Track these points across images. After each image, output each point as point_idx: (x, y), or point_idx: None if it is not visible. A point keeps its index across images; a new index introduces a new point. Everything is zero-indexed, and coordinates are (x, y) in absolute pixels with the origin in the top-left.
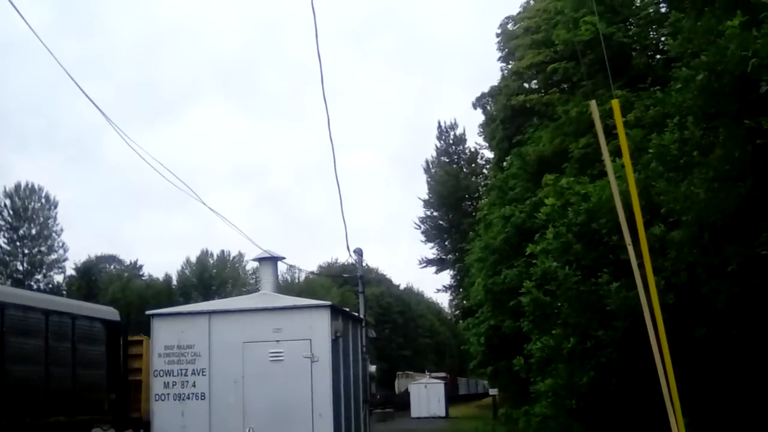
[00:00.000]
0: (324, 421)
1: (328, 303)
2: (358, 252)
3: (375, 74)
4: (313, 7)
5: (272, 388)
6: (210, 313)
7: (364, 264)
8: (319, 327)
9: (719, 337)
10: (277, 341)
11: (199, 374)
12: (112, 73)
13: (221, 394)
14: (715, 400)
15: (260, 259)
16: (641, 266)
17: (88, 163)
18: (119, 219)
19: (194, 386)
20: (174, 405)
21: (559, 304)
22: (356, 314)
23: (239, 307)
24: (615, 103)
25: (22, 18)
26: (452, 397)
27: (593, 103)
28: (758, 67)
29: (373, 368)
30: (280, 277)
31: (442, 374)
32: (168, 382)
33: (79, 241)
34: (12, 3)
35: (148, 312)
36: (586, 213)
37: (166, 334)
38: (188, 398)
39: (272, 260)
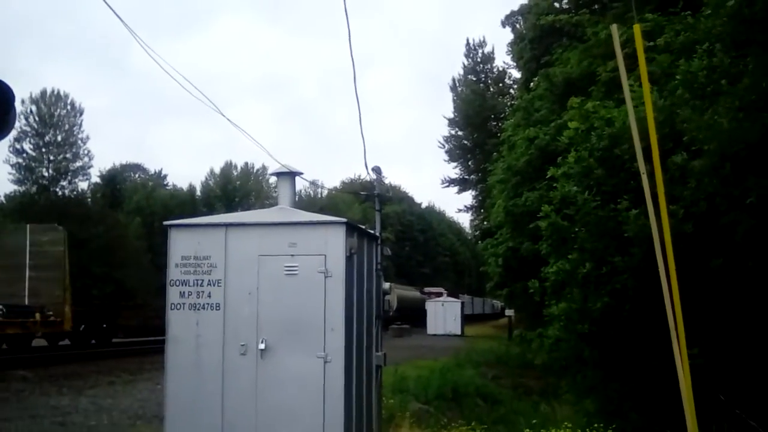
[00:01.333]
0: (335, 335)
1: (344, 220)
2: (377, 170)
3: None
4: None
5: (286, 301)
6: (227, 225)
7: (384, 182)
8: (334, 243)
9: (735, 268)
10: (292, 255)
11: (214, 285)
12: None
13: (236, 306)
14: (727, 331)
15: (278, 174)
16: (655, 195)
17: (115, 70)
18: (145, 128)
19: (209, 297)
20: (189, 314)
21: (576, 229)
22: (373, 231)
23: (256, 221)
24: (636, 29)
25: None
26: (468, 316)
27: (614, 28)
28: None
29: (387, 285)
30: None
31: (438, 289)
32: (184, 292)
33: (105, 149)
34: None
35: (165, 222)
36: (609, 138)
37: (183, 245)
38: (203, 308)
39: (290, 175)
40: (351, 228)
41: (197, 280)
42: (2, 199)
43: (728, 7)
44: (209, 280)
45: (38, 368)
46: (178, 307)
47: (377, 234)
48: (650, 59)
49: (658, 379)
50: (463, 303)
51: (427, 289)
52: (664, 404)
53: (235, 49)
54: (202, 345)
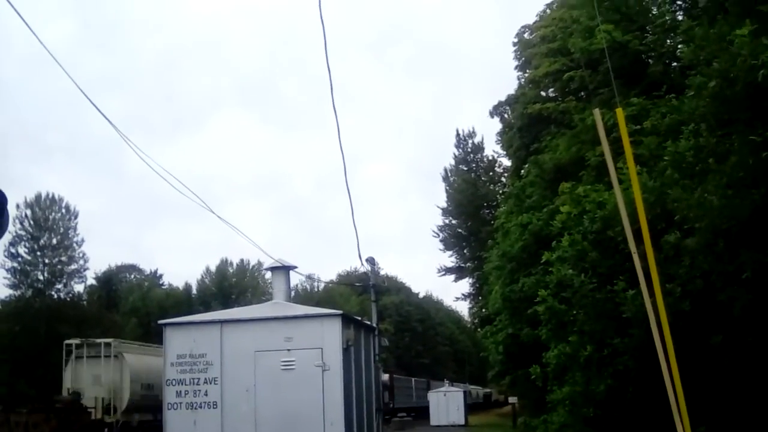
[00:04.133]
0: (335, 429)
1: (339, 312)
2: (370, 261)
3: (393, 83)
4: (321, 19)
5: (284, 396)
6: (222, 322)
7: (380, 272)
8: (330, 336)
9: (735, 344)
10: (289, 350)
11: (211, 383)
12: (133, 85)
13: (233, 403)
14: (732, 408)
15: (272, 269)
16: (648, 274)
17: (110, 174)
18: (140, 229)
19: (206, 395)
20: (186, 414)
21: (575, 312)
22: (369, 323)
23: (251, 316)
24: (619, 112)
25: (35, 35)
26: (471, 405)
27: (596, 112)
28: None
29: (386, 377)
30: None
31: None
32: (180, 391)
33: (100, 251)
34: (25, 21)
35: (160, 321)
36: (602, 220)
37: (179, 343)
38: (200, 407)
39: (284, 269)
40: (347, 320)
41: (193, 378)
42: None
43: (710, 88)
44: (206, 378)
45: None
46: (175, 406)
47: (374, 325)
48: (638, 142)
49: None
50: (465, 392)
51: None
52: None
53: (228, 147)
54: None
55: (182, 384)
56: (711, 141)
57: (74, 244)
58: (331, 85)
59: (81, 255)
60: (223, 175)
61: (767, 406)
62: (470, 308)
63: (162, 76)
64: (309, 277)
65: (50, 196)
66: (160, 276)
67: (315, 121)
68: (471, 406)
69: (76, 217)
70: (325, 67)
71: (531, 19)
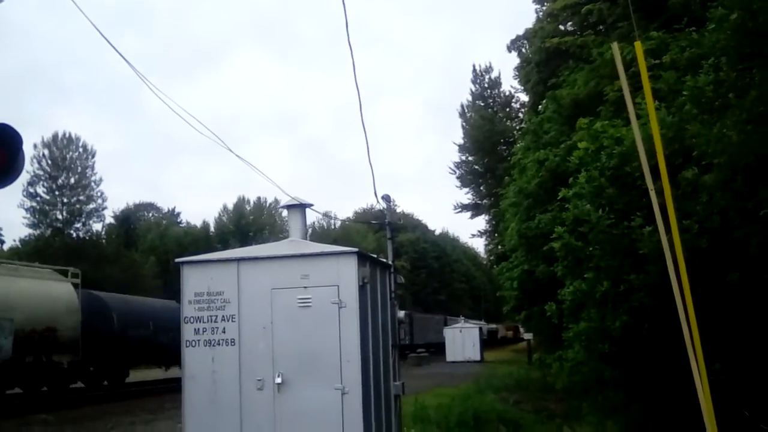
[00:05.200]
0: (352, 366)
1: (355, 249)
2: (386, 198)
3: (410, 20)
4: None
5: (300, 333)
6: (239, 260)
7: (397, 210)
8: (346, 273)
9: (751, 282)
10: (305, 287)
11: (228, 320)
12: (150, 22)
13: (251, 340)
14: (748, 346)
15: (288, 206)
16: (664, 211)
17: (127, 113)
18: (158, 168)
19: (224, 332)
20: (204, 351)
21: (591, 249)
22: (385, 260)
23: (267, 254)
24: (638, 45)
25: None
26: (492, 341)
27: (614, 46)
28: None
29: (401, 314)
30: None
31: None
32: (198, 329)
33: (118, 190)
34: None
35: (177, 260)
36: (620, 156)
37: (196, 281)
38: (218, 344)
39: (300, 207)
40: (363, 257)
41: (211, 316)
42: (18, 243)
43: (732, 20)
44: (223, 316)
45: (54, 411)
46: (194, 344)
47: (390, 262)
48: (657, 77)
49: (681, 398)
50: (481, 328)
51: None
52: (687, 423)
53: (246, 86)
54: (218, 381)
55: (200, 321)
56: (731, 75)
57: (92, 183)
58: (346, 19)
59: (99, 194)
60: (241, 113)
61: None
62: (486, 245)
63: (179, 14)
64: (326, 215)
65: (67, 135)
66: (178, 214)
67: (332, 58)
68: (487, 342)
69: (93, 156)
70: (341, 3)
71: None
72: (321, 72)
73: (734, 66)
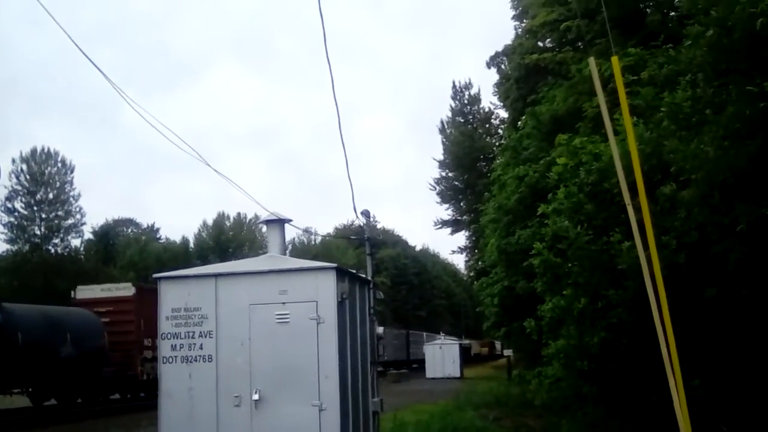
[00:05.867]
0: (330, 382)
1: (334, 265)
2: (365, 213)
3: (390, 36)
4: None
5: (279, 349)
6: (216, 275)
7: (377, 226)
8: (324, 289)
9: (730, 297)
10: (283, 303)
11: (206, 336)
12: (128, 36)
13: (228, 356)
14: (727, 362)
15: (267, 222)
16: (642, 227)
17: (106, 127)
18: (137, 183)
19: (201, 348)
20: (181, 367)
21: (570, 265)
22: (364, 275)
23: (245, 270)
24: (614, 60)
25: None
26: (467, 358)
27: (591, 60)
28: (767, 25)
29: (380, 330)
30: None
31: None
32: (175, 345)
33: (97, 205)
34: None
35: (155, 275)
36: (598, 172)
37: (174, 297)
38: (195, 360)
39: (279, 222)
40: (342, 273)
41: (188, 332)
42: None
43: (708, 37)
44: (200, 332)
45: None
46: (171, 360)
47: (369, 278)
48: (635, 93)
49: (660, 414)
50: (461, 345)
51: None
52: None
53: (225, 101)
54: (195, 398)
55: (177, 338)
56: (708, 91)
57: (71, 199)
58: (324, 33)
59: (78, 209)
60: (221, 127)
61: (762, 359)
62: (466, 261)
63: (158, 28)
64: (306, 231)
65: (46, 150)
66: (158, 230)
67: (312, 73)
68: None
69: (72, 171)
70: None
71: None
72: (301, 86)
73: (711, 82)
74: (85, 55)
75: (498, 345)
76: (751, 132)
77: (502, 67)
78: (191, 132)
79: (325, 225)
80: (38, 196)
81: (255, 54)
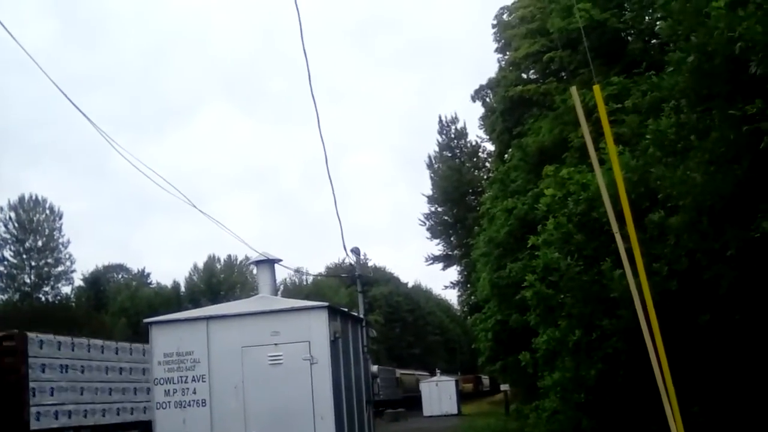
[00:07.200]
0: (326, 424)
1: (326, 304)
2: (356, 251)
3: (376, 74)
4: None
5: (272, 392)
6: (208, 318)
7: (368, 263)
8: (317, 328)
9: (723, 322)
10: (276, 344)
11: (199, 381)
12: (117, 82)
13: (222, 400)
14: (724, 387)
15: (257, 262)
16: (631, 255)
17: (95, 174)
18: (126, 228)
19: (195, 393)
20: (175, 413)
21: (562, 296)
22: (356, 314)
23: (237, 312)
24: (596, 89)
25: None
26: (465, 394)
27: (573, 90)
28: (745, 49)
29: (375, 368)
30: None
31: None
32: (168, 390)
33: (87, 252)
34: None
35: (146, 320)
36: (586, 202)
37: (165, 342)
38: (189, 405)
39: (269, 262)
40: (334, 311)
41: (181, 376)
42: None
43: (689, 63)
44: (193, 376)
45: None
46: (164, 406)
47: (362, 316)
48: (620, 121)
49: None
50: (457, 381)
51: None
52: None
53: (214, 142)
54: None
55: (170, 383)
56: (692, 117)
57: (60, 246)
58: (309, 70)
59: (67, 256)
60: (210, 170)
61: (758, 382)
62: (459, 296)
63: (147, 73)
64: (297, 271)
65: (34, 197)
66: (148, 275)
67: (300, 114)
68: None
69: (60, 218)
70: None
71: (510, 0)
72: (290, 127)
73: (694, 108)
74: (73, 104)
75: (485, 380)
76: (736, 156)
77: (487, 100)
78: (181, 174)
79: (316, 264)
80: (27, 244)
81: (244, 95)
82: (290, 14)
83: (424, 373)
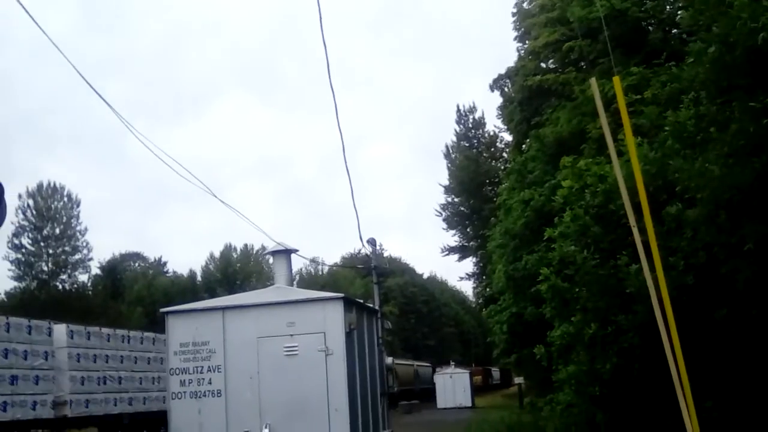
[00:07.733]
0: (340, 415)
1: (341, 295)
2: (371, 242)
3: (394, 63)
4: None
5: (287, 382)
6: (224, 308)
7: (384, 254)
8: (332, 320)
9: (740, 317)
10: (291, 335)
11: (214, 371)
12: (135, 69)
13: (237, 391)
14: (739, 382)
15: (273, 252)
16: (648, 248)
17: (113, 161)
18: (144, 216)
19: (210, 383)
20: (191, 403)
21: (578, 290)
22: (372, 305)
23: (252, 302)
24: (616, 80)
25: (37, 25)
26: (479, 387)
27: (593, 80)
28: None
29: (390, 360)
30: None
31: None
32: (184, 380)
33: (104, 240)
34: (28, 12)
35: (162, 310)
36: (604, 194)
37: (181, 332)
38: (204, 395)
39: (285, 253)
40: (349, 303)
41: (197, 366)
42: (3, 296)
43: (710, 54)
44: (209, 366)
45: None
46: (180, 396)
47: (377, 308)
48: (639, 112)
49: None
50: (471, 373)
51: None
52: None
53: (232, 131)
54: None
55: (186, 373)
56: (711, 109)
57: (77, 234)
58: (327, 61)
59: (85, 244)
60: (227, 158)
61: None
62: (474, 288)
63: (164, 60)
64: (313, 261)
65: (52, 185)
66: (165, 264)
67: (317, 102)
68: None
69: (78, 206)
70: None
71: None
72: (307, 116)
73: (714, 99)
74: (94, 89)
75: (495, 373)
76: (755, 149)
77: (506, 89)
78: (199, 163)
79: (332, 254)
80: (45, 232)
81: (262, 84)
82: (308, 2)
83: (425, 364)
